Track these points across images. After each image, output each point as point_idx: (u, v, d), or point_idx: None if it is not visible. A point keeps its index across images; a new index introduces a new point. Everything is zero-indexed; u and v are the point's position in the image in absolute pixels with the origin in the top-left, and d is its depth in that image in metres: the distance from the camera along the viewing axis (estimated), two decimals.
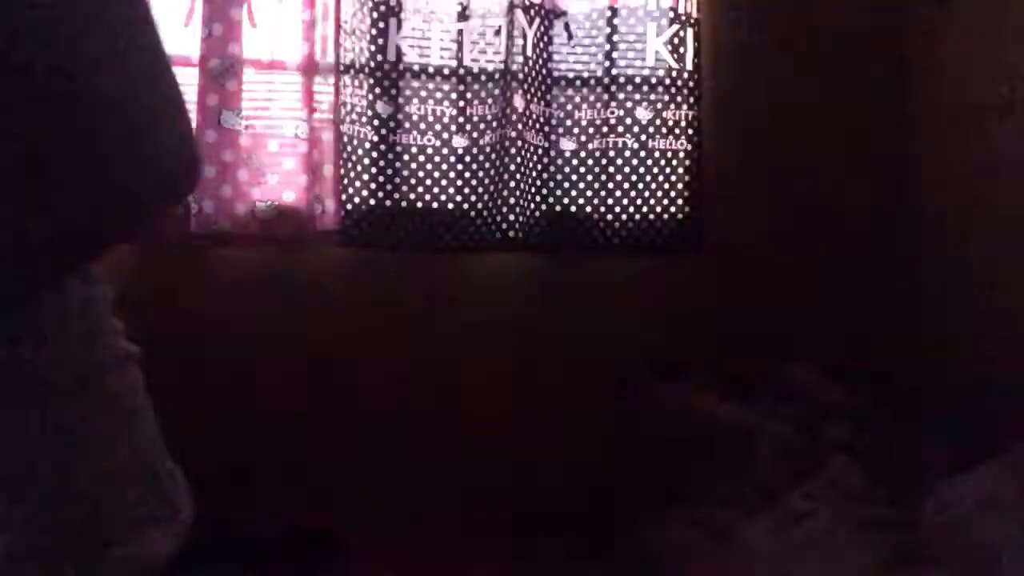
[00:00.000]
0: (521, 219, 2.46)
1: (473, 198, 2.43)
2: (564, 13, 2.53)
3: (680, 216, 2.56)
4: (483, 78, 2.44)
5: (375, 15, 2.37)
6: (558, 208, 2.52)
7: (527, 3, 2.44)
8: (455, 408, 2.44)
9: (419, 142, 2.40)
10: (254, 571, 2.05)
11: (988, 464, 1.81)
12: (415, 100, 2.40)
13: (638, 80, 2.53)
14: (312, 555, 2.13)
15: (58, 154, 0.60)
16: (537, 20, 2.46)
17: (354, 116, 2.38)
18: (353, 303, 2.41)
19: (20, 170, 0.59)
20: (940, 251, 2.50)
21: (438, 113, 2.41)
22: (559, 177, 2.52)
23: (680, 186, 2.56)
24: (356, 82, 2.38)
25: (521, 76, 2.43)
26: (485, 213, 2.44)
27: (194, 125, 2.24)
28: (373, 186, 2.39)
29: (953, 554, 1.62)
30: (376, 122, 2.37)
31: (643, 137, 2.53)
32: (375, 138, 2.37)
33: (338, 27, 2.36)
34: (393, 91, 2.39)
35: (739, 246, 2.59)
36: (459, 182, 2.43)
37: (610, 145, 2.53)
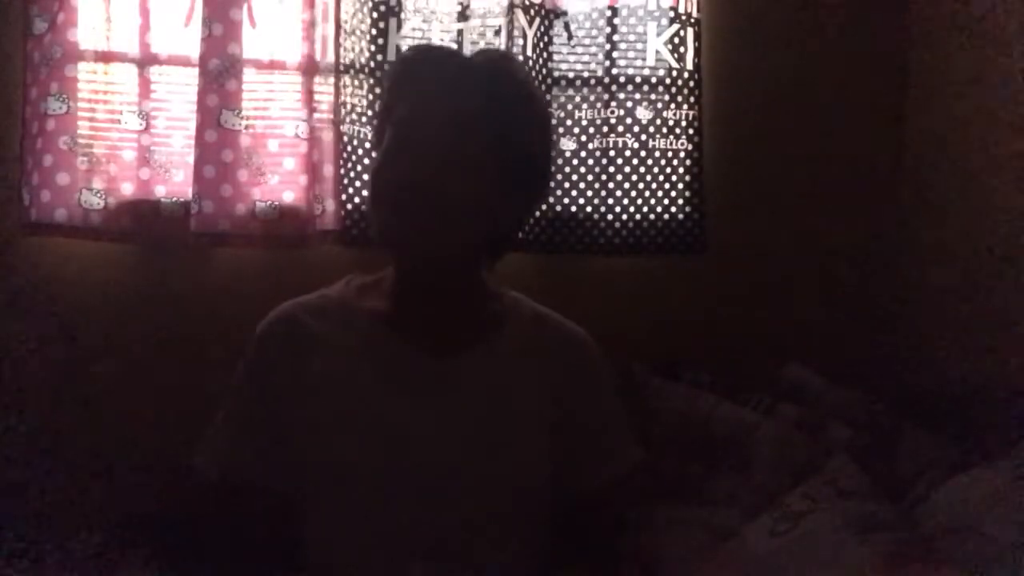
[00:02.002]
0: None
1: None
2: (564, 13, 2.53)
3: (680, 216, 2.56)
4: None
5: (375, 15, 2.37)
6: (558, 208, 2.52)
7: (527, 3, 2.44)
8: None
9: None
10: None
11: (988, 464, 1.81)
12: None
13: (638, 80, 2.53)
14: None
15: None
16: (537, 20, 2.46)
17: (354, 116, 2.38)
18: None
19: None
20: (941, 251, 2.50)
21: None
22: (559, 177, 2.52)
23: (680, 186, 2.56)
24: (356, 82, 2.38)
25: None
26: None
27: (194, 125, 2.24)
28: None
29: (953, 554, 1.62)
30: (376, 122, 2.37)
31: (643, 137, 2.53)
32: (375, 138, 2.37)
33: (338, 27, 2.36)
34: None
35: (739, 246, 2.60)
36: None
37: (610, 145, 2.53)
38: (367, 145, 2.38)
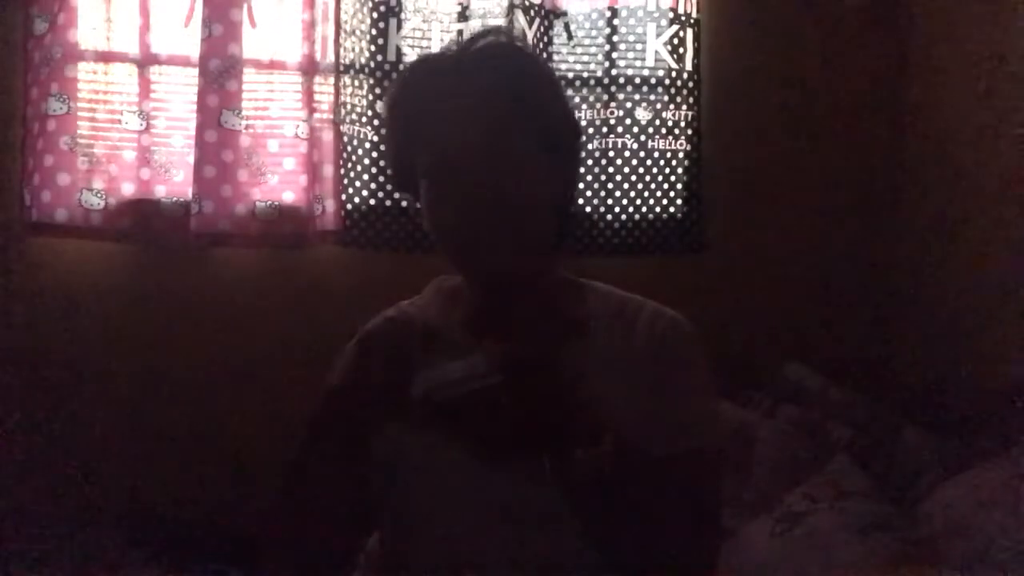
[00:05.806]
0: None
1: None
2: (564, 13, 2.53)
3: (680, 216, 2.56)
4: None
5: (375, 15, 2.37)
6: None
7: (527, 3, 2.44)
8: None
9: None
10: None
11: (988, 464, 1.81)
12: None
13: (638, 80, 2.53)
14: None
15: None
16: (537, 20, 2.46)
17: (354, 116, 2.38)
18: (353, 303, 2.40)
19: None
20: (940, 250, 2.50)
21: None
22: None
23: (680, 186, 2.56)
24: (356, 82, 2.38)
25: None
26: None
27: (194, 125, 2.24)
28: (373, 186, 2.39)
29: (953, 554, 1.62)
30: (376, 122, 2.37)
31: (643, 137, 2.53)
32: (375, 138, 2.37)
33: (338, 27, 2.36)
34: None
35: (739, 246, 2.60)
36: None
37: (610, 145, 2.53)
38: (367, 145, 2.38)
